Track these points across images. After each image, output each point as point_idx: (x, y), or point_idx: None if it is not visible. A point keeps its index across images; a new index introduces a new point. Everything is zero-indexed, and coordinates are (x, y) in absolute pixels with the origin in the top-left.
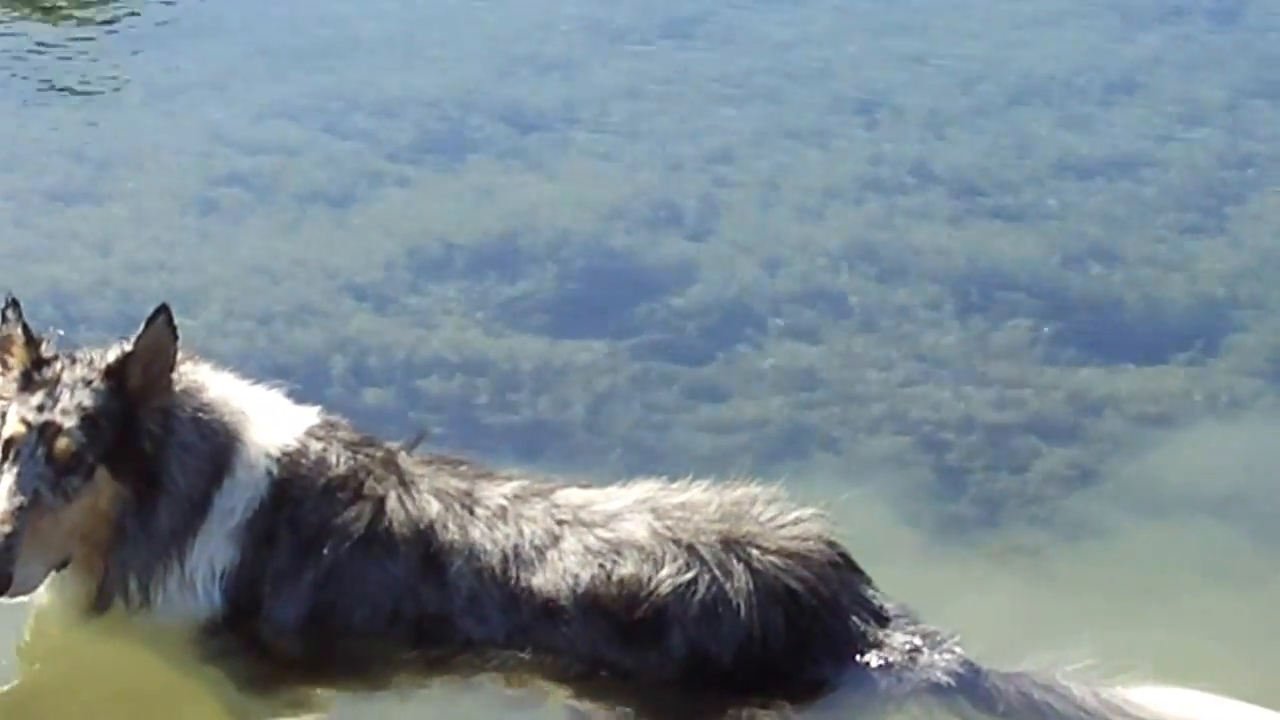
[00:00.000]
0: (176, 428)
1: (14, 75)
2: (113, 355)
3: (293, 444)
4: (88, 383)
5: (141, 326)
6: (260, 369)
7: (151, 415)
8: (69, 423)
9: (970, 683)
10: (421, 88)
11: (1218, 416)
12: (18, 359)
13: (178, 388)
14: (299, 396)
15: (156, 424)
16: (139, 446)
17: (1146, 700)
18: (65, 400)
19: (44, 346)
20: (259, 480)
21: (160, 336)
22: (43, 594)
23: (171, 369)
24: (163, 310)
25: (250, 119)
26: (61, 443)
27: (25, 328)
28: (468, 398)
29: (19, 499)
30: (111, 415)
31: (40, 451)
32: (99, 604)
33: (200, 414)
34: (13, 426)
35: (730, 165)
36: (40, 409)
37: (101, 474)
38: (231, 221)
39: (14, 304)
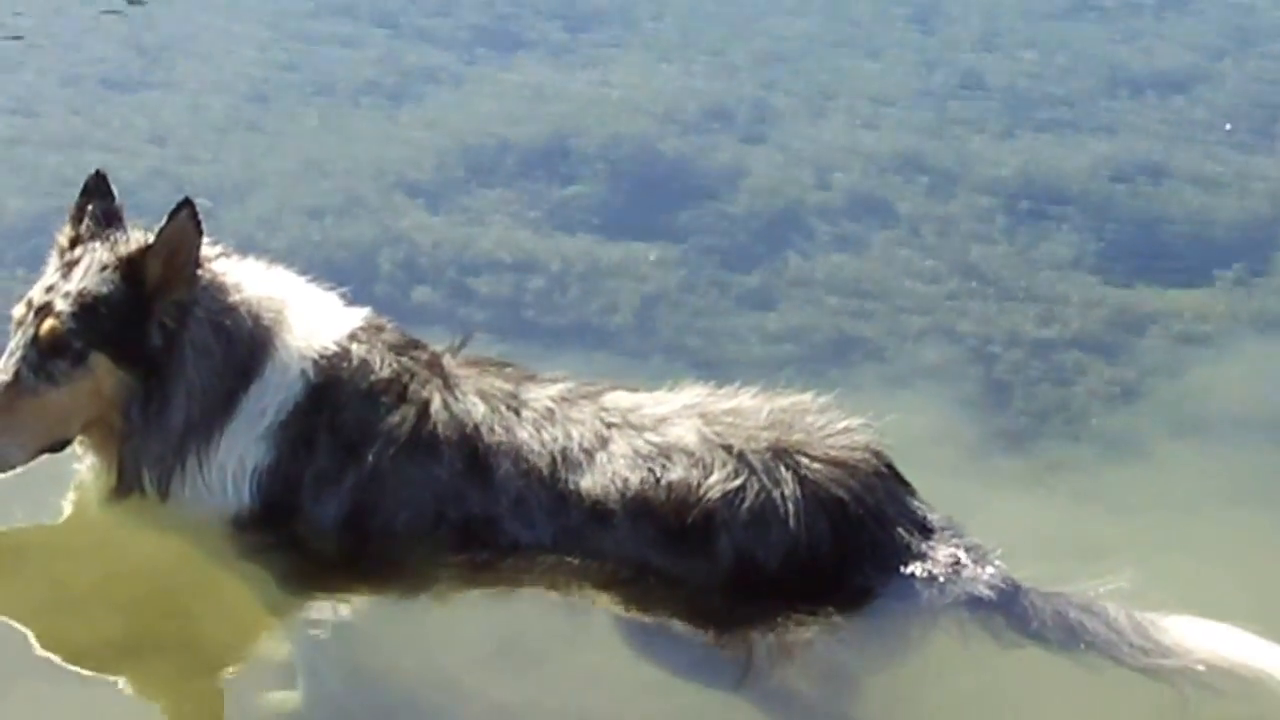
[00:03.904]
0: (192, 325)
1: None
2: (134, 245)
3: (333, 347)
4: (103, 268)
5: (164, 219)
6: (310, 263)
7: (167, 309)
8: (62, 306)
9: (1009, 599)
10: None
11: (1262, 336)
12: (64, 235)
13: (203, 284)
14: (348, 293)
15: (171, 318)
16: (148, 339)
17: (1182, 630)
18: (73, 283)
19: (84, 226)
20: (292, 383)
21: (183, 231)
22: (84, 473)
23: (194, 263)
24: (186, 204)
25: (307, 12)
26: (47, 325)
27: (76, 205)
28: (517, 298)
29: (1, 378)
30: (115, 304)
31: (30, 333)
32: (118, 490)
33: (221, 315)
34: (20, 305)
35: (783, 71)
36: (50, 289)
37: (100, 361)
38: (285, 114)
39: (97, 177)
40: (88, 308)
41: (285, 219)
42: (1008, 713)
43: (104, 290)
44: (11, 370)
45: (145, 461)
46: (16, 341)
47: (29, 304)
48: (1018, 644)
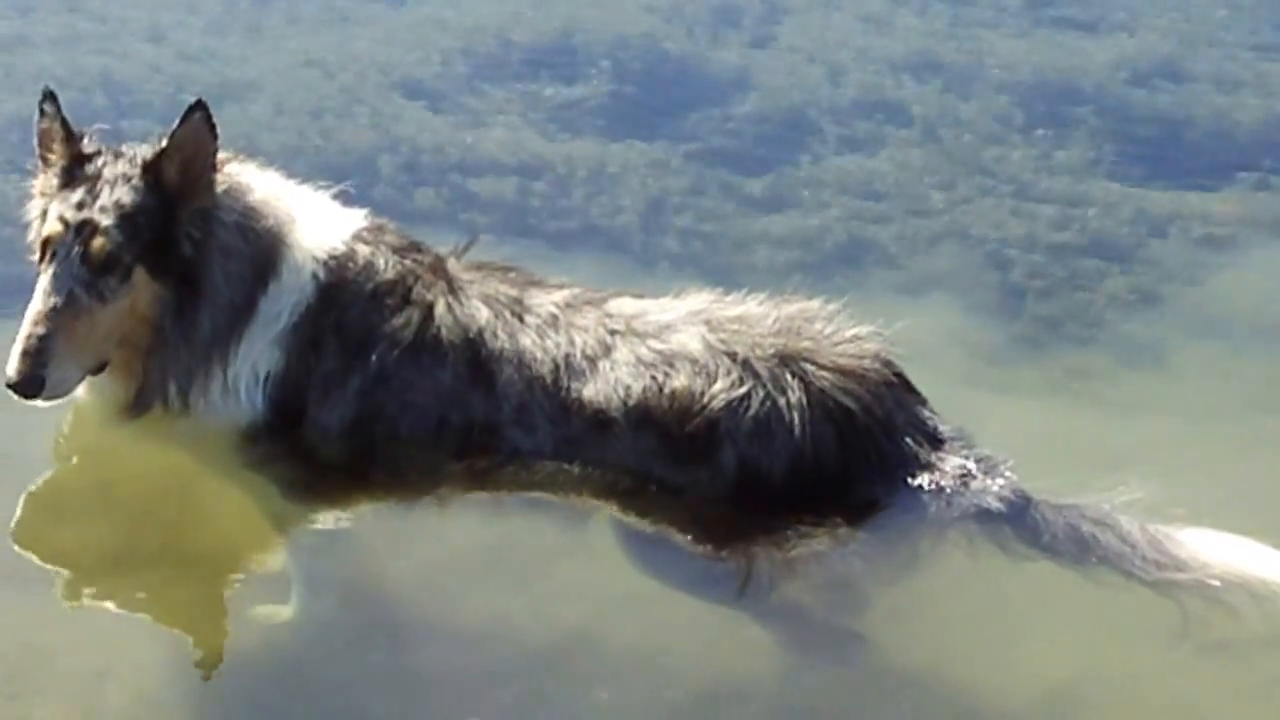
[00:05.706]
0: (218, 231)
1: None
2: (150, 151)
3: (340, 248)
4: (128, 179)
5: (177, 122)
6: (309, 166)
7: (192, 217)
8: (106, 221)
9: (1019, 511)
10: None
11: None
12: (58, 155)
13: (221, 189)
14: (348, 196)
15: (197, 226)
16: (179, 249)
17: (1197, 543)
18: (104, 198)
19: (85, 141)
20: (305, 284)
21: (196, 132)
22: (82, 394)
23: (211, 168)
24: (199, 106)
25: None
26: (98, 242)
27: (64, 122)
28: (521, 201)
29: (54, 300)
30: (149, 213)
31: (76, 251)
32: (137, 407)
33: (244, 218)
34: (51, 225)
35: None
36: (79, 206)
37: (139, 275)
38: (285, 12)
39: (51, 97)
40: (128, 218)
41: (284, 120)
42: (1016, 628)
43: (137, 199)
44: (64, 292)
45: (173, 374)
46: (61, 263)
47: (64, 222)
48: (1028, 557)
